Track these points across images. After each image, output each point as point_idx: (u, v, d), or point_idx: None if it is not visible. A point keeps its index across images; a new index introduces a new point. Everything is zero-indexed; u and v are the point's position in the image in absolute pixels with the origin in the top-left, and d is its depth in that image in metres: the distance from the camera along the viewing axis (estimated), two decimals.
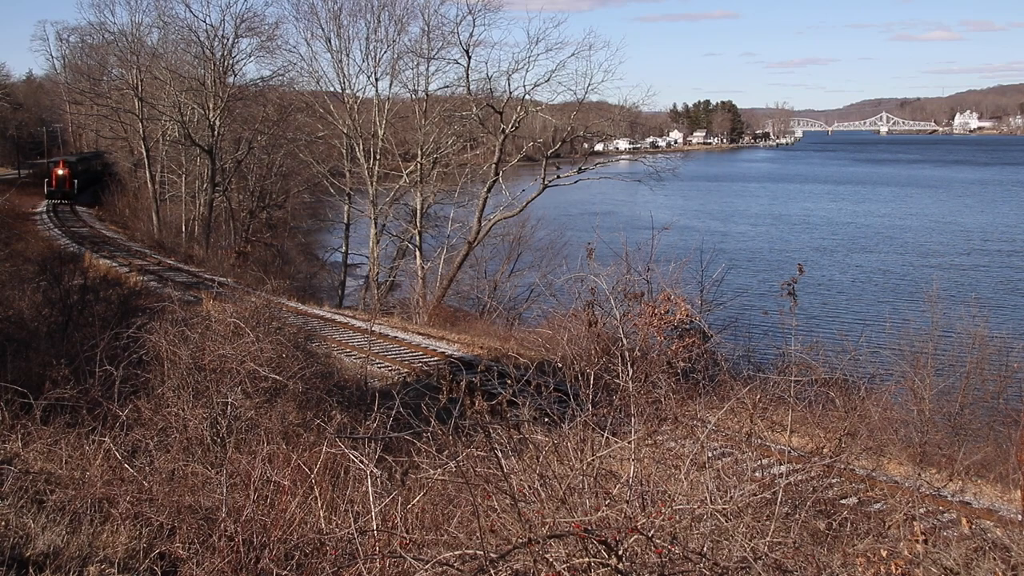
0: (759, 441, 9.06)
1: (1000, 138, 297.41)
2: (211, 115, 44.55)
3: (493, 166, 39.40)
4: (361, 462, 6.41)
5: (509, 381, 7.47)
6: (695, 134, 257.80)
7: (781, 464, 8.75)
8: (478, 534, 4.98)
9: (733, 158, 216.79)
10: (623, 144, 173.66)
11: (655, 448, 7.26)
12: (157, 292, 25.73)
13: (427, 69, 41.54)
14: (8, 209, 39.38)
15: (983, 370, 21.01)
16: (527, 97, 40.22)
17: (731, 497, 5.75)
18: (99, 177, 62.89)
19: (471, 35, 38.55)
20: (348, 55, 43.38)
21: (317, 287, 45.88)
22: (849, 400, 10.36)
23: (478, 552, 4.76)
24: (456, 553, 4.84)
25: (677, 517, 5.20)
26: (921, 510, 9.88)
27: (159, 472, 7.80)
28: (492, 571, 4.65)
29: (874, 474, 11.53)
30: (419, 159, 41.04)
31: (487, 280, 42.89)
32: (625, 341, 7.86)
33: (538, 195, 39.84)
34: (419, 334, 26.48)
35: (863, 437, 10.44)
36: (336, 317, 28.16)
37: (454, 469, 5.89)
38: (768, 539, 5.68)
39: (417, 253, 41.87)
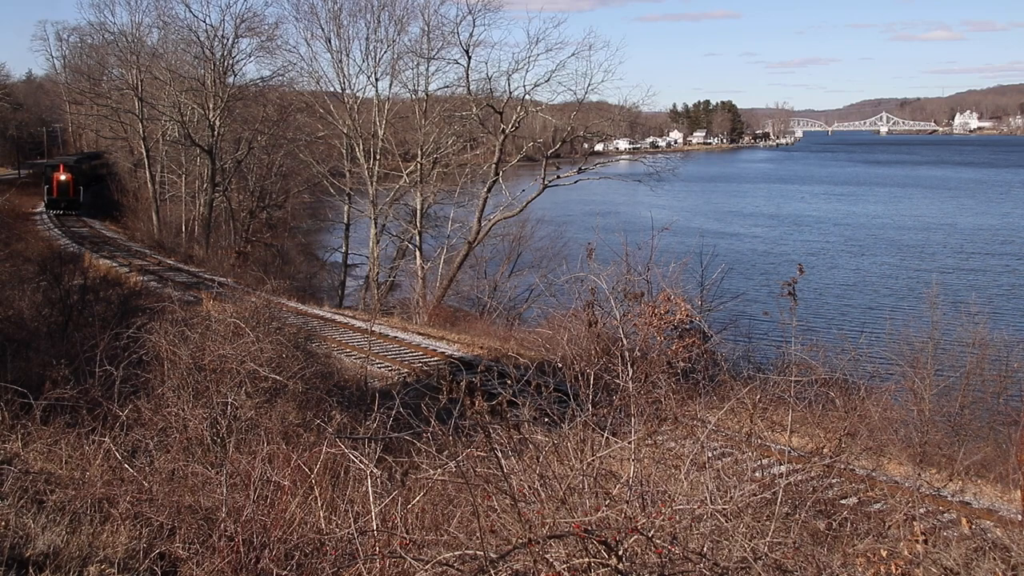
0: (759, 441, 9.06)
1: (1000, 138, 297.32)
2: (211, 115, 44.55)
3: (493, 166, 39.40)
4: (361, 462, 6.41)
5: (509, 381, 7.47)
6: (695, 134, 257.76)
7: (781, 464, 8.75)
8: (478, 534, 4.98)
9: (733, 158, 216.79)
10: (623, 144, 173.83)
11: (655, 448, 7.26)
12: (157, 292, 25.73)
13: (427, 69, 41.61)
14: (8, 209, 39.37)
15: (983, 370, 21.04)
16: (527, 97, 40.30)
17: (731, 497, 5.75)
18: (100, 179, 60.22)
19: (471, 35, 38.63)
20: (348, 55, 43.43)
21: (317, 287, 45.88)
22: (849, 400, 10.36)
23: (478, 552, 4.76)
24: (456, 553, 4.84)
25: (677, 517, 5.20)
26: (921, 510, 9.88)
27: (159, 472, 7.79)
28: (492, 571, 4.65)
29: (874, 474, 11.53)
30: (419, 159, 41.04)
31: (487, 280, 42.89)
32: (625, 341, 7.85)
33: (538, 195, 39.84)
34: (419, 334, 26.48)
35: (863, 437, 10.43)
36: (336, 317, 28.16)
37: (454, 469, 5.89)
38: (768, 539, 5.68)
39: (417, 253, 41.87)
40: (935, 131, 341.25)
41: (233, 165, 47.36)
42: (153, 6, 57.47)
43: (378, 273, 42.21)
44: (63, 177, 49.89)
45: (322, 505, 6.50)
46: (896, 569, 5.45)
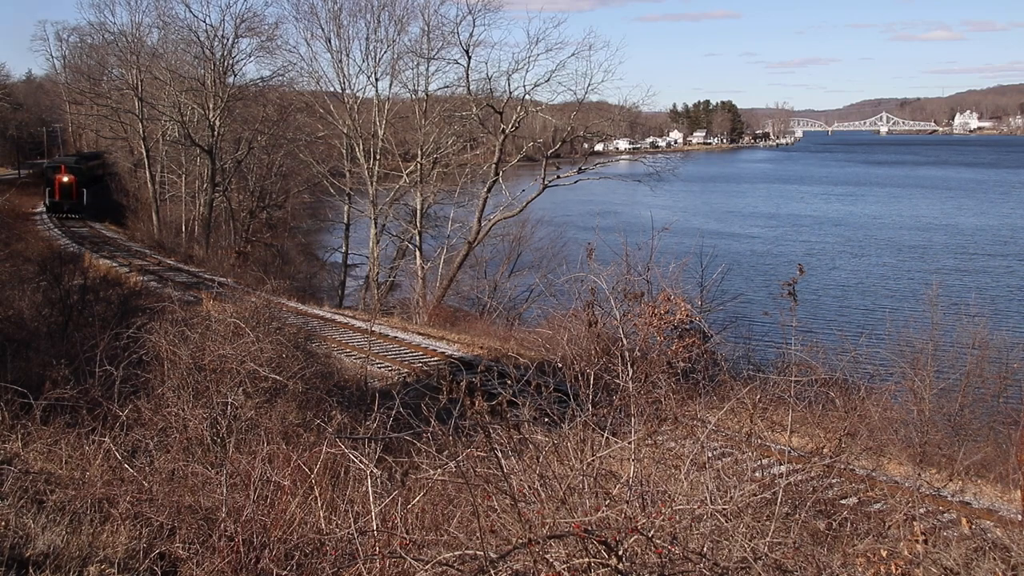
0: (759, 441, 9.05)
1: (1000, 138, 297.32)
2: (211, 115, 44.55)
3: (493, 166, 39.40)
4: (361, 462, 6.41)
5: (509, 381, 7.47)
6: (695, 134, 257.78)
7: (781, 464, 8.75)
8: (478, 534, 4.98)
9: (733, 158, 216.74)
10: (623, 144, 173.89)
11: (655, 448, 7.26)
12: (157, 292, 25.73)
13: (427, 69, 41.61)
14: (8, 209, 39.35)
15: (983, 370, 21.01)
16: (527, 97, 40.29)
17: (731, 497, 5.75)
18: (100, 179, 59.29)
19: (471, 35, 38.64)
20: (348, 55, 43.44)
21: (317, 287, 45.88)
22: (849, 400, 10.36)
23: (478, 552, 4.76)
24: (456, 553, 4.84)
25: (677, 517, 5.20)
26: (921, 510, 9.88)
27: (159, 472, 7.79)
28: (492, 571, 4.65)
29: (874, 474, 11.53)
30: (419, 159, 41.04)
31: (487, 280, 42.90)
32: (625, 341, 7.84)
33: (538, 195, 39.83)
34: (419, 334, 26.48)
35: (863, 437, 10.43)
36: (336, 317, 28.16)
37: (454, 469, 5.89)
38: (768, 539, 5.68)
39: (417, 253, 41.87)
40: (935, 131, 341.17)
41: (233, 165, 47.36)
42: (153, 6, 57.50)
43: (378, 273, 42.21)
44: (65, 179, 48.06)
45: (322, 505, 6.50)
46: (896, 569, 5.45)
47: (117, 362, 9.71)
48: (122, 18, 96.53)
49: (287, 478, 6.79)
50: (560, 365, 9.36)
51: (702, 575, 4.96)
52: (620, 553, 4.70)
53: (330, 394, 11.45)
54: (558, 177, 39.99)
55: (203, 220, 46.58)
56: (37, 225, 43.85)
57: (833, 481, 9.45)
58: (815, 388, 9.32)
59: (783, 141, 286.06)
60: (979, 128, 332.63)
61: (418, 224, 41.67)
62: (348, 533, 5.75)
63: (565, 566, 4.77)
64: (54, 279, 18.89)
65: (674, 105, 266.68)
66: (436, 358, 22.44)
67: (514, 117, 39.02)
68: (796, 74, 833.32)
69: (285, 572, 5.83)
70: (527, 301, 39.98)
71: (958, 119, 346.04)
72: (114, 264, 33.04)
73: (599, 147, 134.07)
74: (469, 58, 38.45)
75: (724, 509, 5.44)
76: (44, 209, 48.90)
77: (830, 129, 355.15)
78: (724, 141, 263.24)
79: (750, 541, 5.52)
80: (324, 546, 6.01)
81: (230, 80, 47.34)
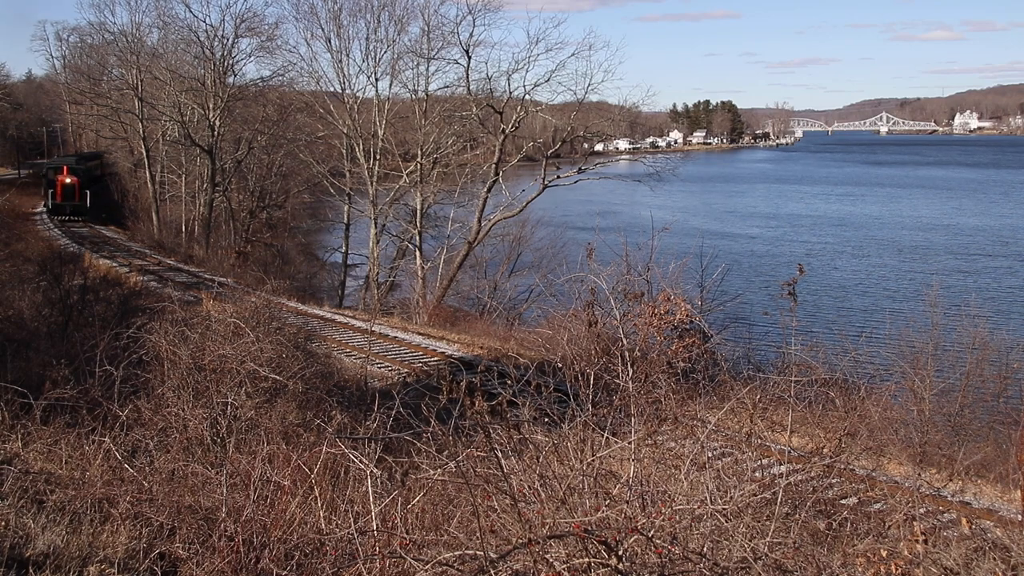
0: (759, 441, 9.05)
1: (1000, 138, 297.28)
2: (211, 115, 44.56)
3: (493, 166, 39.41)
4: (361, 462, 6.41)
5: (509, 381, 7.46)
6: (695, 134, 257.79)
7: (781, 464, 8.75)
8: (478, 534, 4.98)
9: (733, 158, 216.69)
10: (623, 144, 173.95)
11: (655, 448, 7.26)
12: (157, 292, 25.72)
13: (427, 69, 41.62)
14: (8, 209, 39.34)
15: (983, 370, 21.01)
16: (527, 97, 40.31)
17: (731, 497, 5.75)
18: (99, 180, 58.00)
19: (471, 35, 38.66)
20: (348, 55, 43.44)
21: (317, 287, 45.88)
22: (849, 400, 10.35)
23: (478, 552, 4.76)
24: (456, 553, 4.84)
25: (677, 517, 5.20)
26: (921, 510, 9.87)
27: (159, 472, 7.79)
28: (492, 571, 4.65)
29: (874, 474, 11.53)
30: (419, 159, 41.05)
31: (487, 280, 42.92)
32: (625, 341, 7.85)
33: (538, 195, 39.85)
34: (419, 334, 26.48)
35: (863, 437, 10.43)
36: (336, 317, 28.16)
37: (454, 469, 5.89)
38: (768, 539, 5.68)
39: (417, 253, 41.88)
40: (935, 131, 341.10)
41: (233, 165, 47.36)
42: (153, 6, 57.42)
43: (378, 273, 42.21)
44: (68, 180, 46.66)
45: (322, 505, 6.50)
46: (896, 569, 5.45)
47: (117, 362, 9.70)
48: (122, 18, 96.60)
49: (287, 478, 6.79)
50: (560, 365, 9.36)
51: (702, 575, 4.96)
52: (620, 553, 4.70)
53: (330, 394, 11.45)
54: (558, 177, 40.00)
55: (203, 220, 46.58)
56: (37, 225, 43.84)
57: (833, 481, 9.45)
58: (815, 388, 9.32)
59: (783, 141, 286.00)
60: (979, 128, 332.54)
61: (418, 224, 41.68)
62: (348, 533, 5.75)
63: (565, 566, 4.77)
64: (54, 279, 18.89)
65: (674, 105, 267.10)
66: (436, 358, 22.44)
67: (514, 117, 39.03)
68: (796, 74, 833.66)
69: (285, 572, 5.84)
70: (527, 301, 39.98)
71: (958, 119, 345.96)
72: (114, 264, 33.04)
73: (599, 147, 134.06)
74: (469, 58, 38.53)
75: (724, 509, 5.44)
76: (45, 210, 48.21)
77: (830, 129, 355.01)
78: (724, 141, 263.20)
79: (750, 541, 5.52)
80: (324, 546, 6.01)
81: (230, 80, 47.38)
